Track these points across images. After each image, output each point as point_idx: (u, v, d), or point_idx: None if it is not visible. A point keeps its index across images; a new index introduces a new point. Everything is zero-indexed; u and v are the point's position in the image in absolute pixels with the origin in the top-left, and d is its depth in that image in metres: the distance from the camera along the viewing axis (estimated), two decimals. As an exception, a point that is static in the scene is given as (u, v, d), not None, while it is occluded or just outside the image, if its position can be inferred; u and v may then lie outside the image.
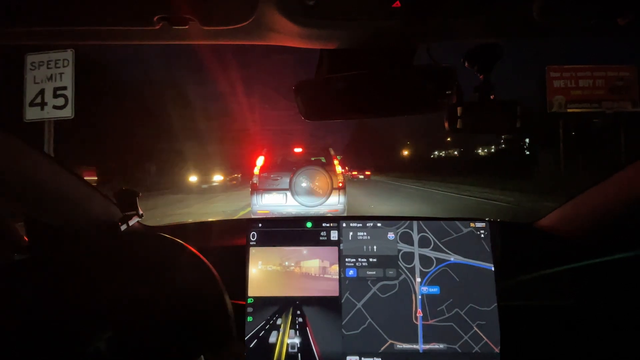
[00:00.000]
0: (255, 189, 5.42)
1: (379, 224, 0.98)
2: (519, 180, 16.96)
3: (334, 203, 5.10)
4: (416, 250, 0.95)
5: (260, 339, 0.94)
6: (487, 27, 0.71)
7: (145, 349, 0.75)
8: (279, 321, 0.94)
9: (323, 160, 5.80)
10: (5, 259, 0.90)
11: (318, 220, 1.00)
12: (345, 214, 3.68)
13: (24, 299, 0.82)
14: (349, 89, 0.86)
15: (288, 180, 4.99)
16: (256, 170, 5.47)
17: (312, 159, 5.91)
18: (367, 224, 0.99)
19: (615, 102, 16.46)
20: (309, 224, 1.00)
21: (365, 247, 0.97)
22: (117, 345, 0.74)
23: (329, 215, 3.72)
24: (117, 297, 0.79)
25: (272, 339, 0.93)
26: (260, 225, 1.00)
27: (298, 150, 5.96)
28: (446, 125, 0.84)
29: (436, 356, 0.91)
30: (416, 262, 0.95)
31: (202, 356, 0.79)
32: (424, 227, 0.97)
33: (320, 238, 0.99)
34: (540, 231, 1.12)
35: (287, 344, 0.93)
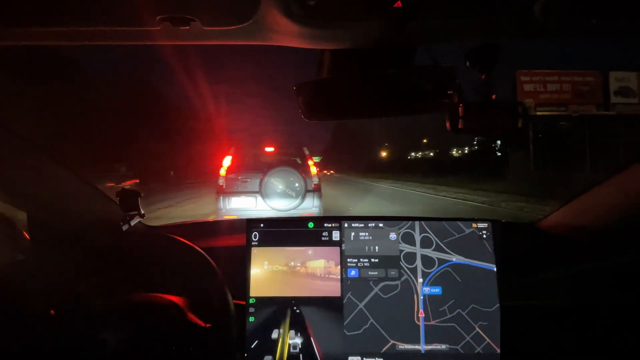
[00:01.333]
0: (222, 192, 4.95)
1: (380, 224, 0.97)
2: (492, 181, 17.50)
3: (309, 207, 4.77)
4: (418, 250, 0.95)
5: (262, 339, 0.92)
6: (489, 27, 0.71)
7: (147, 348, 0.73)
8: (280, 321, 0.93)
9: (299, 161, 5.38)
10: (8, 258, 0.88)
11: (320, 220, 0.99)
12: None
13: (27, 299, 0.79)
14: (350, 89, 0.85)
15: (258, 182, 4.59)
16: (222, 172, 5.02)
17: (285, 159, 5.41)
18: (369, 224, 0.97)
19: (581, 106, 17.35)
20: (310, 224, 0.98)
21: (367, 247, 0.96)
22: (118, 344, 0.71)
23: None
24: (118, 297, 0.77)
25: (273, 339, 0.92)
26: (261, 225, 0.98)
27: (269, 149, 5.45)
28: (447, 125, 0.83)
29: (438, 357, 0.90)
30: (418, 262, 0.94)
31: (203, 356, 0.78)
32: (426, 228, 0.96)
33: (322, 238, 0.97)
34: (542, 232, 1.12)
35: (289, 344, 0.91)
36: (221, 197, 4.94)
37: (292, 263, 0.96)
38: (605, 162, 16.40)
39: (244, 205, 4.87)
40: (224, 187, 4.96)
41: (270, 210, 4.51)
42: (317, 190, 4.96)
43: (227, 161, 5.10)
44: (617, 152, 17.60)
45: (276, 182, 4.56)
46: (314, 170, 5.10)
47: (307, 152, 5.38)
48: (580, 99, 17.22)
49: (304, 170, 4.87)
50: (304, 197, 4.60)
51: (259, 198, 4.60)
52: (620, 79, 17.15)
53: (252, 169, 5.02)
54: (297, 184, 4.61)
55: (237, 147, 5.39)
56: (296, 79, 0.88)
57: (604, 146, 17.97)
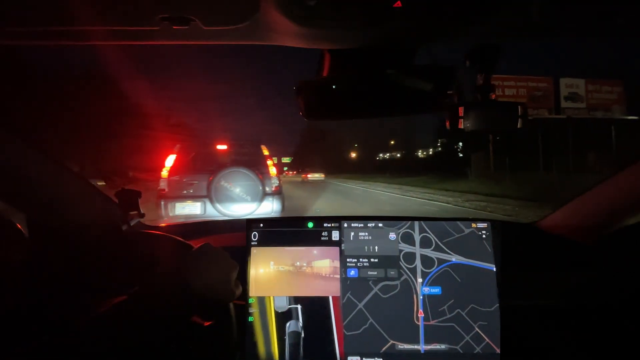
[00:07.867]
0: (163, 197, 4.29)
1: (380, 224, 0.94)
2: (456, 181, 18.23)
3: (267, 212, 4.31)
4: (417, 250, 0.92)
5: (261, 339, 0.89)
6: (488, 28, 0.70)
7: (147, 349, 0.69)
8: (280, 321, 0.89)
9: (261, 161, 4.78)
10: (7, 258, 0.85)
11: (319, 220, 0.95)
12: None
13: (27, 299, 0.78)
14: (350, 89, 0.83)
15: (206, 185, 4.12)
16: (164, 173, 4.37)
17: (239, 158, 4.76)
18: (369, 224, 0.94)
19: (535, 110, 18.51)
20: (310, 224, 0.95)
21: (366, 247, 0.93)
22: (118, 345, 0.66)
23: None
24: (119, 297, 0.71)
25: (272, 339, 0.88)
26: (261, 225, 0.94)
27: (222, 147, 4.81)
28: (447, 125, 0.83)
29: (437, 357, 0.87)
30: (417, 262, 0.91)
31: (202, 356, 0.77)
32: (426, 228, 0.93)
33: (322, 238, 0.94)
34: (542, 232, 1.12)
35: (288, 344, 0.88)
36: (162, 203, 4.30)
37: (292, 263, 0.92)
38: (557, 163, 17.63)
39: (189, 212, 4.30)
40: (166, 190, 4.34)
41: (222, 217, 4.01)
42: (277, 193, 4.49)
43: (169, 161, 4.47)
44: (566, 153, 18.93)
45: (228, 185, 4.16)
46: (273, 171, 4.63)
47: (266, 152, 4.83)
48: (535, 103, 18.37)
49: (261, 171, 4.42)
50: (261, 202, 4.22)
51: (208, 203, 4.17)
52: (569, 85, 18.49)
53: (201, 170, 4.42)
54: (252, 187, 4.19)
55: (183, 145, 4.74)
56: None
57: (556, 147, 19.25)
